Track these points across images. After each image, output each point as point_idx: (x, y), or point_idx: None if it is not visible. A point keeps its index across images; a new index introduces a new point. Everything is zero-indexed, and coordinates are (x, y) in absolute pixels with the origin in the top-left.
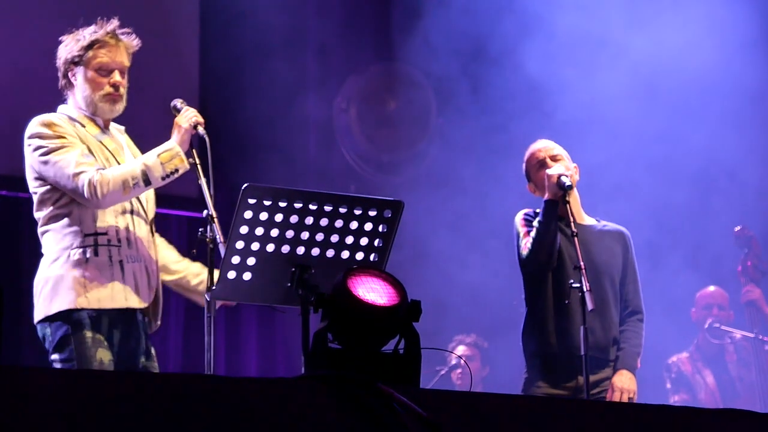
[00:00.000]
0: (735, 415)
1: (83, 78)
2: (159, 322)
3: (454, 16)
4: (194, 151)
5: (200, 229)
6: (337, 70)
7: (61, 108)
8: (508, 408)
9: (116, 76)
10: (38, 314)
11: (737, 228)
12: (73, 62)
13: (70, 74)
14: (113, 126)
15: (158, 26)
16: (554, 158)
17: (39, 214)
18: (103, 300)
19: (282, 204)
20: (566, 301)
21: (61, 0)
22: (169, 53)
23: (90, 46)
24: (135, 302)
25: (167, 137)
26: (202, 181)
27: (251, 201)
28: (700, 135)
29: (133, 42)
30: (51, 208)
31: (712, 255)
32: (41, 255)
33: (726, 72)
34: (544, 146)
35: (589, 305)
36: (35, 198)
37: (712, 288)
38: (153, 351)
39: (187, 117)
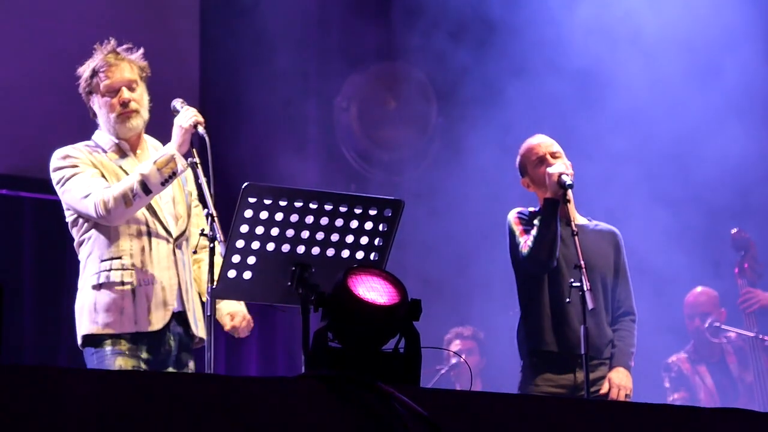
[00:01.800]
0: (734, 415)
1: (98, 105)
2: (203, 336)
3: (455, 14)
4: (194, 150)
5: (201, 228)
6: (338, 69)
7: (94, 135)
8: (508, 407)
9: (124, 94)
10: (78, 341)
11: (734, 230)
12: (88, 93)
13: (91, 104)
14: (151, 143)
15: (158, 26)
16: (554, 155)
17: (75, 242)
18: (112, 325)
19: (282, 203)
20: (567, 300)
21: (63, 1)
22: (169, 53)
23: (93, 73)
24: (145, 326)
25: (168, 136)
26: (202, 180)
27: (251, 200)
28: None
29: (133, 56)
30: (79, 234)
31: (711, 256)
32: (44, 254)
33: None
34: (542, 142)
35: (590, 304)
36: (70, 226)
37: (699, 289)
38: (191, 364)
39: (187, 117)
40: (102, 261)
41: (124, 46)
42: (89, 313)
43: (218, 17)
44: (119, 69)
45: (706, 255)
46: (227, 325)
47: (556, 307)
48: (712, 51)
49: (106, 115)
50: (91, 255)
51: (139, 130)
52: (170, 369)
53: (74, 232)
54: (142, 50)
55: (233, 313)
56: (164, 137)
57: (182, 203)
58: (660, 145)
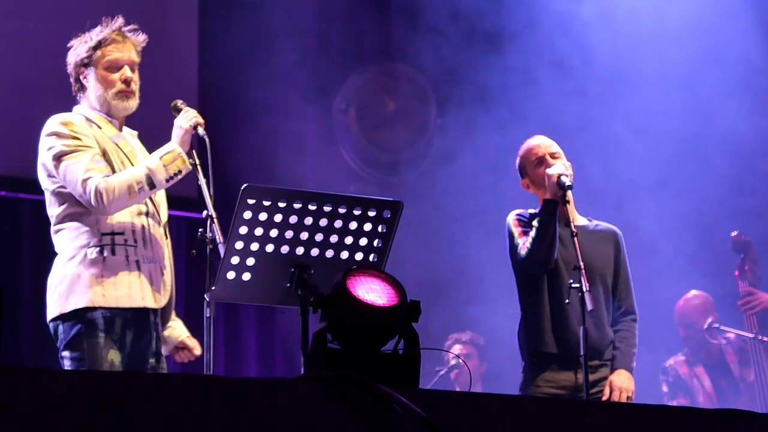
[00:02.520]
0: (734, 416)
1: (94, 78)
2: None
3: (454, 15)
4: (194, 151)
5: (200, 230)
6: (337, 70)
7: (76, 108)
8: (507, 408)
9: (126, 72)
10: (52, 312)
11: (734, 233)
12: (83, 64)
13: (81, 77)
14: (126, 131)
15: (157, 26)
16: (553, 155)
17: (52, 212)
18: (121, 299)
19: (281, 204)
20: (567, 302)
21: (61, 2)
22: (168, 53)
23: (97, 45)
24: (151, 302)
25: (167, 137)
26: (202, 181)
27: (250, 201)
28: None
29: (140, 38)
30: (65, 205)
31: (709, 258)
32: (42, 255)
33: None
34: (542, 142)
35: (589, 305)
36: (48, 195)
37: (691, 294)
38: (163, 353)
39: (187, 118)
40: (103, 234)
41: (130, 27)
42: (91, 285)
43: (217, 18)
44: (126, 47)
45: (707, 256)
46: (192, 346)
47: (555, 309)
48: (718, 44)
49: (103, 90)
50: (86, 227)
51: (132, 111)
52: (151, 360)
53: (56, 200)
54: (145, 36)
55: (191, 338)
56: (164, 137)
57: (164, 191)
58: (666, 141)
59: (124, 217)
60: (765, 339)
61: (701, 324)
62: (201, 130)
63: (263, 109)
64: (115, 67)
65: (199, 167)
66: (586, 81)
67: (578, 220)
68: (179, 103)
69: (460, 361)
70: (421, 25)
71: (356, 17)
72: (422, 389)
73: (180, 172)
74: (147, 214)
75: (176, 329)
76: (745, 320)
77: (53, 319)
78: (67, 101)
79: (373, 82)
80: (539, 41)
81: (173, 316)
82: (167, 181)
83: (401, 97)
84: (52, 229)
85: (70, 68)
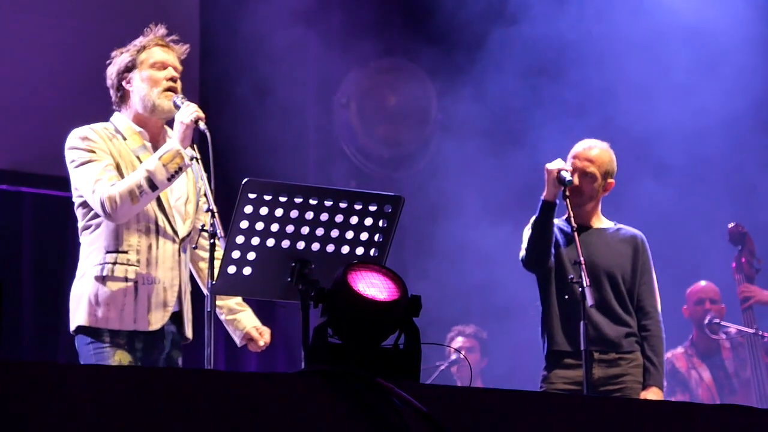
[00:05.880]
0: (733, 411)
1: (140, 79)
2: (189, 337)
3: (455, 10)
4: (195, 146)
5: (201, 224)
6: (338, 65)
7: (113, 117)
8: (507, 403)
9: (172, 72)
10: (71, 327)
11: (731, 225)
12: (127, 69)
13: (124, 83)
14: (170, 133)
15: (158, 20)
16: (588, 159)
17: (79, 222)
18: (111, 321)
19: (282, 199)
20: (565, 297)
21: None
22: None
23: (142, 49)
24: (144, 325)
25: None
26: (203, 175)
27: (251, 196)
28: (696, 128)
29: (182, 48)
30: (86, 216)
31: (705, 251)
32: (43, 249)
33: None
34: (580, 143)
35: (589, 301)
36: (75, 206)
37: (702, 283)
38: (180, 361)
39: (188, 112)
40: (107, 252)
41: (172, 37)
42: (88, 304)
43: (218, 13)
44: (170, 52)
45: (705, 248)
46: (257, 337)
47: (563, 307)
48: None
49: (148, 89)
50: (97, 243)
51: (172, 115)
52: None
53: (80, 213)
54: (187, 46)
55: (260, 328)
56: None
57: (193, 203)
58: (666, 135)
59: (131, 235)
60: (765, 335)
61: (705, 313)
62: (202, 125)
63: (264, 104)
64: (161, 66)
65: (199, 161)
66: (594, 73)
67: (602, 223)
68: (180, 98)
69: (461, 355)
70: (422, 19)
71: (357, 11)
72: (422, 384)
73: (180, 169)
74: (157, 231)
75: (242, 320)
76: (742, 315)
77: (72, 334)
78: (68, 96)
79: (375, 77)
80: (541, 37)
81: (243, 305)
82: (169, 179)
83: (402, 91)
84: (80, 239)
85: (111, 79)
